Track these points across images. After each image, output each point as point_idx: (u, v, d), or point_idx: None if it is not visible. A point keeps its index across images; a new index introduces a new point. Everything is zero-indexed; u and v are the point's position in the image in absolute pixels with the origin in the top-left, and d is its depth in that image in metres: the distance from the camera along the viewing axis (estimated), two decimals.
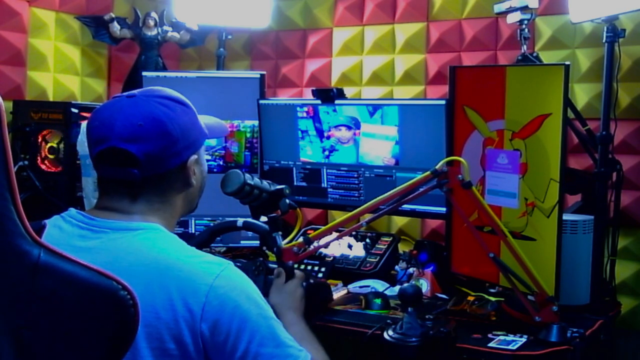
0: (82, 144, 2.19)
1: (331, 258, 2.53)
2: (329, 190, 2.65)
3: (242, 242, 2.77)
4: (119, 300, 0.95)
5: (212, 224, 2.32)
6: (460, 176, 1.76)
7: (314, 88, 2.63)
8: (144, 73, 2.87)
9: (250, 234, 2.46)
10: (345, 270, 2.48)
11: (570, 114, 2.34)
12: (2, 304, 0.90)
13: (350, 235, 2.57)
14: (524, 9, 2.46)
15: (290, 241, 1.84)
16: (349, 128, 2.55)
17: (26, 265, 0.91)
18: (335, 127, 2.57)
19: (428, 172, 1.80)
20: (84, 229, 1.29)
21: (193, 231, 2.80)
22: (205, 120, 1.49)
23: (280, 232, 1.82)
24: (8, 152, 0.89)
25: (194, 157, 1.39)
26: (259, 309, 1.29)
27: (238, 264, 1.85)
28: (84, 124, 2.19)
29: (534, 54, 2.57)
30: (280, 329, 1.31)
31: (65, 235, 1.28)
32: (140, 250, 1.26)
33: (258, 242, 2.65)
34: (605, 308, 2.21)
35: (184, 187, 1.40)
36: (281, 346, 1.28)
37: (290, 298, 1.65)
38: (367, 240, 2.59)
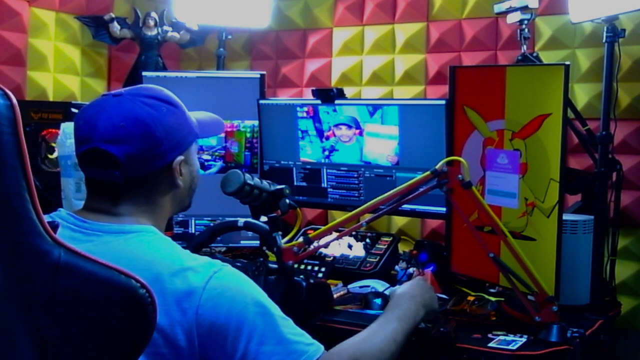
0: (62, 145, 2.15)
1: (331, 258, 2.53)
2: (329, 190, 2.65)
3: (242, 242, 2.77)
4: (138, 299, 0.95)
5: (212, 224, 2.32)
6: (460, 176, 1.76)
7: (314, 88, 2.63)
8: (144, 73, 2.87)
9: (250, 234, 2.45)
10: (345, 270, 2.48)
11: (570, 114, 2.34)
12: (24, 304, 0.90)
13: (350, 235, 2.57)
14: (524, 9, 2.46)
15: (290, 241, 1.84)
16: (349, 127, 2.55)
17: (47, 266, 0.91)
18: (336, 125, 2.57)
19: (428, 172, 1.79)
20: (76, 232, 1.27)
21: (193, 231, 2.80)
22: (198, 116, 1.46)
23: (280, 232, 1.82)
24: (25, 153, 0.89)
25: (180, 157, 1.36)
26: (257, 306, 1.25)
27: (238, 264, 1.86)
28: (63, 124, 2.16)
29: (534, 54, 2.57)
30: (285, 325, 1.27)
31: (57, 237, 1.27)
32: (134, 254, 1.25)
33: (258, 242, 2.65)
34: (605, 308, 2.21)
35: (170, 188, 1.38)
36: (283, 343, 1.24)
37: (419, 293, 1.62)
38: (367, 240, 2.59)
